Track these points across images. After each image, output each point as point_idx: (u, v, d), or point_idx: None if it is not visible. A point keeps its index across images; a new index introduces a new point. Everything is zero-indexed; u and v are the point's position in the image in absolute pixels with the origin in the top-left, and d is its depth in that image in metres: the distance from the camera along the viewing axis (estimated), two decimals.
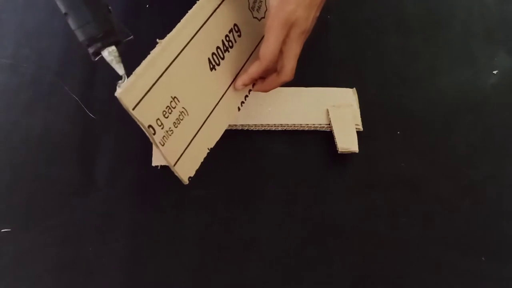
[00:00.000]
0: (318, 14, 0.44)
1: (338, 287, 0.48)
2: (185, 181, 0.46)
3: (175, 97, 0.42)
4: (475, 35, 0.65)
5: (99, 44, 0.39)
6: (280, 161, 0.55)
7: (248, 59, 0.50)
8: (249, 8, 0.49)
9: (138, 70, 0.38)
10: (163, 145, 0.41)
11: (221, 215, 0.51)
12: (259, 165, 0.54)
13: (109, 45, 0.39)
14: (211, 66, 0.45)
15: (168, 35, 0.41)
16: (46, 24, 0.62)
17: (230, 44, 0.47)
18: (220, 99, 0.48)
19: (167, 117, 0.41)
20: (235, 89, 0.48)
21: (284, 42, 0.42)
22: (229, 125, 0.55)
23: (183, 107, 0.43)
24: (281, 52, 0.43)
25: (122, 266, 0.48)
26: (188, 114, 0.43)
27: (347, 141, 0.54)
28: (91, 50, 0.39)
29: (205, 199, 0.52)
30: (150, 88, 0.39)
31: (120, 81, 0.38)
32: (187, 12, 0.43)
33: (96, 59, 0.40)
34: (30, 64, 0.59)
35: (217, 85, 0.47)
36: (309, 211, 0.52)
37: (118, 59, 0.40)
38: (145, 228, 0.50)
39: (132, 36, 0.42)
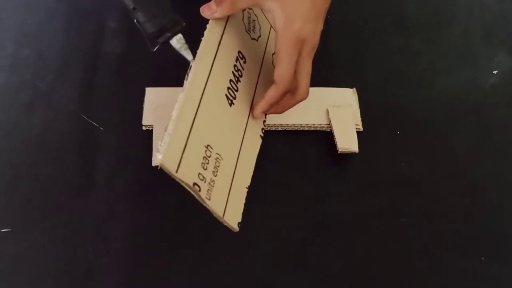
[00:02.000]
0: (322, 27, 0.43)
1: (338, 287, 0.48)
2: (236, 228, 0.43)
3: (208, 145, 0.40)
4: (475, 35, 0.65)
5: (168, 34, 0.42)
6: (280, 161, 0.55)
7: (257, 82, 0.49)
8: (246, 31, 0.48)
9: (169, 129, 0.36)
10: (209, 199, 0.39)
11: None
12: (259, 165, 0.54)
13: (177, 33, 0.42)
14: (230, 102, 0.44)
15: (188, 82, 0.40)
16: (46, 24, 0.62)
17: (240, 73, 0.46)
18: (244, 132, 0.46)
19: (206, 169, 0.39)
20: (254, 117, 0.46)
21: (297, 62, 0.42)
22: None
23: (217, 153, 0.41)
24: (294, 72, 0.42)
25: (122, 266, 0.48)
26: (222, 159, 0.42)
27: (347, 141, 0.54)
28: (161, 40, 0.42)
29: None
30: (186, 144, 0.38)
31: (159, 143, 0.36)
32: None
33: (155, 49, 0.43)
34: (30, 64, 0.59)
35: (238, 119, 0.46)
36: (309, 211, 0.52)
37: (186, 45, 0.42)
38: (145, 228, 0.50)
39: (184, 23, 0.43)
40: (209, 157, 0.40)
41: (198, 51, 0.41)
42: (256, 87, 0.49)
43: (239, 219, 0.43)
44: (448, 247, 0.51)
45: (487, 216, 0.53)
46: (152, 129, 0.54)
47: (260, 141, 0.49)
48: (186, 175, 0.37)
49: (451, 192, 0.54)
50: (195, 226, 0.50)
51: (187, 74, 0.40)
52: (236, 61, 0.45)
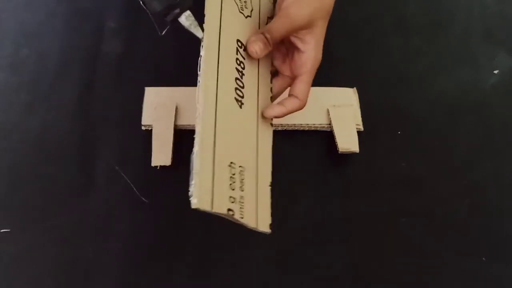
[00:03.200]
0: None
1: (338, 287, 0.48)
2: (268, 231, 0.41)
3: (231, 162, 0.39)
4: (475, 35, 0.65)
5: (177, 11, 0.40)
6: (280, 161, 0.55)
7: (258, 66, 0.46)
8: (239, 11, 0.45)
9: (196, 167, 0.35)
10: (243, 218, 0.38)
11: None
12: None
13: (185, 10, 0.41)
14: (240, 104, 0.42)
15: (200, 105, 0.38)
16: (46, 24, 0.62)
17: (242, 65, 0.43)
18: (257, 129, 0.44)
19: (234, 189, 0.38)
20: (265, 117, 0.45)
21: None
22: None
23: (240, 166, 0.40)
24: None
25: (121, 266, 0.48)
26: (245, 169, 0.40)
27: (347, 141, 0.54)
28: (169, 18, 0.41)
29: None
30: (213, 175, 0.37)
31: (190, 184, 0.36)
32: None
33: (163, 32, 0.42)
34: (30, 64, 0.59)
35: (249, 119, 0.43)
36: (309, 211, 0.52)
37: (196, 22, 0.41)
38: (145, 228, 0.50)
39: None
40: (234, 174, 0.39)
41: (202, 66, 0.40)
42: (258, 72, 0.46)
43: (270, 221, 0.42)
44: (448, 247, 0.51)
45: (487, 216, 0.53)
46: (151, 129, 0.54)
47: (271, 130, 0.46)
48: (220, 207, 0.36)
49: (451, 192, 0.54)
50: (195, 226, 0.50)
51: (197, 95, 0.39)
52: (237, 53, 0.43)
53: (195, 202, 0.35)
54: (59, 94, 0.57)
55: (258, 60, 0.45)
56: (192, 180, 0.36)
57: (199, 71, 0.39)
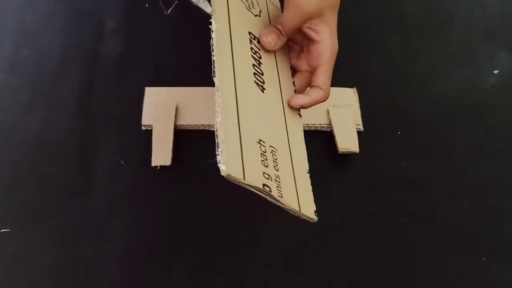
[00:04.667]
0: None
1: (338, 287, 0.48)
2: (315, 218, 0.40)
3: (259, 140, 0.38)
4: (475, 35, 0.65)
5: None
6: None
7: (276, 60, 0.46)
8: (247, 9, 0.46)
9: (221, 135, 0.34)
10: (282, 197, 0.36)
11: (221, 215, 0.51)
12: None
13: None
14: (261, 88, 0.42)
15: (217, 79, 0.37)
16: (46, 24, 0.62)
17: (258, 55, 0.44)
18: (284, 116, 0.44)
19: (267, 166, 0.37)
20: (291, 106, 0.45)
21: None
22: None
23: (270, 146, 0.39)
24: None
25: (121, 266, 0.48)
26: (277, 150, 0.39)
27: (347, 141, 0.54)
28: None
29: (205, 199, 0.52)
30: (241, 147, 0.35)
31: (217, 153, 0.34)
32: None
33: (169, 11, 0.42)
34: (30, 64, 0.59)
35: (274, 104, 0.43)
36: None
37: None
38: (145, 228, 0.50)
39: None
40: (265, 152, 0.38)
41: (214, 45, 0.39)
42: (277, 65, 0.46)
43: (314, 208, 0.40)
44: (448, 247, 0.51)
45: (487, 216, 0.53)
46: (151, 129, 0.54)
47: (300, 120, 0.46)
48: (254, 179, 0.34)
49: (451, 192, 0.54)
50: (195, 226, 0.50)
51: (213, 71, 0.38)
52: (251, 43, 0.43)
53: (224, 169, 0.32)
54: (59, 94, 0.57)
55: (275, 55, 0.46)
56: (218, 148, 0.33)
57: (212, 51, 0.39)
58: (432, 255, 0.50)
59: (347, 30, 0.64)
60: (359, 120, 0.56)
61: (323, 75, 0.44)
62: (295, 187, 0.39)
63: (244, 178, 0.33)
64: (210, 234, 0.50)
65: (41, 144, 0.54)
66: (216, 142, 0.34)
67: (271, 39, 0.43)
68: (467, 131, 0.58)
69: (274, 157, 0.39)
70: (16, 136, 0.54)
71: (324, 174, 0.54)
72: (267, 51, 0.44)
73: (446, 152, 0.56)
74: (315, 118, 0.56)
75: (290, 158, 0.41)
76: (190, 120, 0.55)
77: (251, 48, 0.43)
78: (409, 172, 0.55)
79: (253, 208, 0.52)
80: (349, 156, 0.55)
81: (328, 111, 0.56)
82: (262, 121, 0.40)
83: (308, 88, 0.45)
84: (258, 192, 0.35)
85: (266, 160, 0.37)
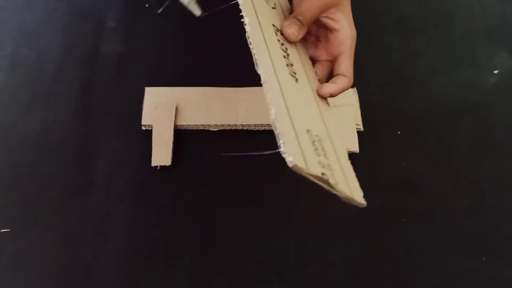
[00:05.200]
0: None
1: (338, 287, 0.48)
2: (364, 203, 0.40)
3: (307, 129, 0.38)
4: (475, 35, 0.65)
5: None
6: (280, 161, 0.55)
7: (297, 50, 0.47)
8: (266, 2, 0.46)
9: (278, 128, 0.34)
10: (337, 184, 0.36)
11: (221, 215, 0.51)
12: (259, 165, 0.54)
13: None
14: (295, 79, 0.42)
15: (263, 72, 0.37)
16: (46, 24, 0.62)
17: (285, 47, 0.44)
18: (318, 106, 0.44)
19: (319, 155, 0.37)
20: (320, 95, 0.45)
21: None
22: (228, 124, 0.55)
23: (316, 135, 0.39)
24: None
25: (121, 266, 0.48)
26: (322, 139, 0.39)
27: (347, 141, 0.54)
28: None
29: (205, 199, 0.52)
30: (297, 137, 0.35)
31: (279, 144, 0.34)
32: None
33: (160, 10, 0.44)
34: (30, 64, 0.59)
35: (307, 95, 0.43)
36: (309, 211, 0.52)
37: (194, 0, 0.45)
38: (145, 228, 0.50)
39: None
40: (314, 142, 0.38)
41: (251, 38, 0.39)
42: (299, 57, 0.46)
43: (362, 193, 0.40)
44: (448, 247, 0.51)
45: (487, 216, 0.53)
46: (151, 129, 0.54)
47: (331, 109, 0.46)
48: (314, 168, 0.34)
49: (451, 192, 0.54)
50: (195, 226, 0.50)
51: (255, 64, 0.38)
52: (276, 35, 0.44)
53: (290, 160, 0.33)
54: (59, 94, 0.57)
55: (296, 46, 0.46)
56: (280, 140, 0.34)
57: (250, 45, 0.39)
58: (432, 255, 0.50)
59: None
60: (359, 120, 0.56)
61: (346, 62, 0.45)
62: (343, 174, 0.40)
63: (308, 169, 0.34)
64: (210, 234, 0.50)
65: (41, 144, 0.54)
66: (276, 134, 0.34)
67: (294, 30, 0.43)
68: (467, 131, 0.58)
69: (321, 146, 0.39)
70: (16, 136, 0.54)
71: None
72: (290, 42, 0.45)
73: (446, 152, 0.56)
74: None
75: (332, 146, 0.41)
76: (190, 120, 0.55)
77: (278, 40, 0.43)
78: (409, 172, 0.55)
79: (253, 208, 0.52)
80: (349, 156, 0.54)
81: None
82: (304, 111, 0.40)
83: (334, 77, 0.46)
84: (316, 181, 0.35)
85: (317, 149, 0.38)
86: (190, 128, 0.55)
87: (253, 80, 0.58)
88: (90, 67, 0.59)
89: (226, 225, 0.51)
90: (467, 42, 0.64)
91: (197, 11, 0.44)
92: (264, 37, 0.41)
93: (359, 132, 0.55)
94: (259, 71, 0.37)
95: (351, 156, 0.54)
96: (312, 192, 0.53)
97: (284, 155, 0.33)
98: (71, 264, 0.48)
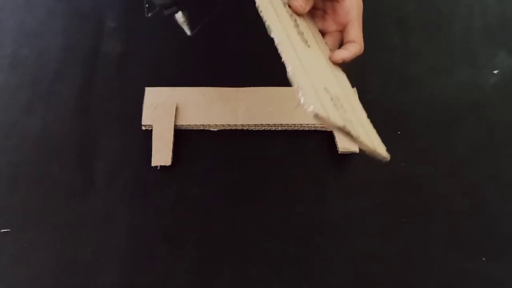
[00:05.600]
0: None
1: (338, 287, 0.48)
2: (388, 157, 0.41)
3: (325, 87, 0.39)
4: (475, 35, 0.65)
5: (174, 8, 0.48)
6: (280, 161, 0.55)
7: (307, 25, 0.48)
8: None
9: (298, 82, 0.35)
10: (359, 136, 0.37)
11: (220, 215, 0.51)
12: (259, 165, 0.54)
13: (181, 10, 0.48)
14: (307, 45, 0.43)
15: (276, 35, 0.38)
16: (46, 24, 0.62)
17: (294, 19, 0.45)
18: (332, 70, 0.45)
19: (339, 110, 0.38)
20: (333, 61, 0.46)
21: None
22: (228, 124, 0.55)
23: (334, 94, 0.40)
24: None
25: (121, 267, 0.48)
26: (340, 98, 0.40)
27: (347, 141, 0.54)
28: (167, 12, 0.48)
29: (204, 199, 0.52)
30: (316, 92, 0.36)
31: (299, 95, 0.35)
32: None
33: (149, 15, 0.48)
34: (30, 64, 0.59)
35: (320, 59, 0.44)
36: (309, 211, 0.52)
37: (187, 21, 0.50)
38: (144, 229, 0.50)
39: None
40: (332, 98, 0.39)
41: (260, 6, 0.40)
42: (309, 28, 0.47)
43: (385, 148, 0.42)
44: (448, 247, 0.51)
45: (487, 216, 0.53)
46: (151, 129, 0.54)
47: (345, 75, 0.48)
48: (336, 119, 0.35)
49: (451, 192, 0.54)
50: (195, 226, 0.50)
51: (268, 29, 0.39)
52: (285, 7, 0.45)
53: (311, 109, 0.33)
54: (59, 94, 0.57)
55: (304, 19, 0.47)
56: (299, 93, 0.35)
57: (261, 13, 0.40)
58: (432, 255, 0.50)
59: None
60: None
61: (355, 29, 0.46)
62: (364, 130, 0.41)
63: (329, 117, 0.34)
64: (210, 234, 0.50)
65: (41, 144, 0.54)
66: (295, 88, 0.35)
67: (301, 2, 0.44)
68: (467, 131, 0.58)
69: (340, 103, 0.39)
70: (16, 136, 0.54)
71: (324, 174, 0.54)
72: (298, 15, 0.45)
73: (446, 152, 0.56)
74: None
75: (351, 105, 0.42)
76: (190, 120, 0.55)
77: (287, 12, 0.44)
78: (409, 172, 0.55)
79: (253, 208, 0.52)
80: (349, 156, 0.55)
81: None
82: (319, 73, 0.41)
83: (344, 44, 0.46)
84: (339, 132, 0.36)
85: (336, 105, 0.38)
86: (190, 128, 0.55)
87: (253, 80, 0.59)
88: (90, 67, 0.59)
89: (226, 225, 0.51)
90: (467, 42, 0.64)
91: (188, 31, 0.49)
92: (274, 8, 0.42)
93: None
94: (272, 35, 0.38)
95: (351, 156, 0.55)
96: (312, 192, 0.53)
97: (305, 106, 0.33)
98: (71, 264, 0.48)
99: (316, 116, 0.33)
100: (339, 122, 0.35)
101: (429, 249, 0.51)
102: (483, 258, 0.50)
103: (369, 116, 0.57)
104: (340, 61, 0.46)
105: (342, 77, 0.46)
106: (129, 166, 0.53)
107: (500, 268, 0.50)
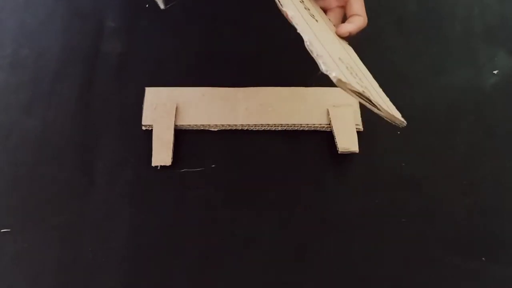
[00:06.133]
0: None
1: (338, 287, 0.48)
2: (404, 122, 0.42)
3: (339, 58, 0.40)
4: (475, 35, 0.65)
5: None
6: (280, 161, 0.55)
7: (310, 3, 0.48)
8: None
9: (316, 50, 0.36)
10: (377, 102, 0.38)
11: (221, 215, 0.51)
12: (259, 165, 0.54)
13: None
14: (315, 20, 0.44)
15: (288, 8, 0.39)
16: (46, 24, 0.62)
17: None
18: (341, 44, 0.46)
19: (355, 78, 0.39)
20: (339, 35, 0.47)
21: None
22: (229, 124, 0.55)
23: (348, 64, 0.41)
24: None
25: (121, 266, 0.48)
26: (353, 68, 0.41)
27: (347, 141, 0.54)
28: None
29: (205, 199, 0.52)
30: (333, 60, 0.37)
31: (320, 62, 0.36)
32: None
33: (147, 5, 0.48)
34: (30, 64, 0.59)
35: (329, 33, 0.45)
36: (309, 211, 0.52)
37: None
38: (145, 228, 0.50)
39: None
40: (347, 68, 0.40)
41: None
42: (312, 5, 0.48)
43: (400, 114, 0.42)
44: (448, 247, 0.51)
45: (487, 216, 0.53)
46: (151, 129, 0.54)
47: (353, 50, 0.48)
48: (355, 85, 0.36)
49: (451, 192, 0.54)
50: (195, 226, 0.50)
51: (279, 4, 0.40)
52: None
53: (334, 75, 0.34)
54: (59, 94, 0.57)
55: None
56: (319, 61, 0.36)
57: None
58: (432, 255, 0.50)
59: None
60: (359, 120, 0.56)
61: (357, 3, 0.47)
62: (379, 96, 0.41)
63: (350, 84, 0.35)
64: (210, 234, 0.50)
65: (41, 144, 0.54)
66: (315, 56, 0.36)
67: None
68: (467, 131, 0.58)
69: (355, 73, 0.40)
70: (16, 136, 0.54)
71: (324, 174, 0.54)
72: None
73: (446, 152, 0.56)
74: (315, 118, 0.56)
75: (364, 75, 0.43)
76: (190, 120, 0.55)
77: None
78: (409, 172, 0.55)
79: (253, 208, 0.52)
80: (349, 156, 0.55)
81: (328, 111, 0.56)
82: (331, 45, 0.42)
83: (348, 18, 0.47)
84: (358, 98, 0.37)
85: (351, 74, 0.39)
86: (190, 128, 0.55)
87: (253, 80, 0.59)
88: (90, 67, 0.59)
89: (226, 225, 0.51)
90: (467, 42, 0.64)
91: (161, 5, 0.47)
92: None
93: (359, 132, 0.55)
94: (284, 9, 0.39)
95: (351, 156, 0.55)
96: (312, 192, 0.53)
97: (327, 73, 0.34)
98: (71, 264, 0.48)
99: (339, 81, 0.34)
100: (358, 89, 0.36)
101: (429, 249, 0.51)
102: (483, 258, 0.50)
103: (369, 116, 0.57)
104: (347, 35, 0.46)
105: (351, 50, 0.47)
106: (129, 166, 0.53)
107: (500, 268, 0.50)
